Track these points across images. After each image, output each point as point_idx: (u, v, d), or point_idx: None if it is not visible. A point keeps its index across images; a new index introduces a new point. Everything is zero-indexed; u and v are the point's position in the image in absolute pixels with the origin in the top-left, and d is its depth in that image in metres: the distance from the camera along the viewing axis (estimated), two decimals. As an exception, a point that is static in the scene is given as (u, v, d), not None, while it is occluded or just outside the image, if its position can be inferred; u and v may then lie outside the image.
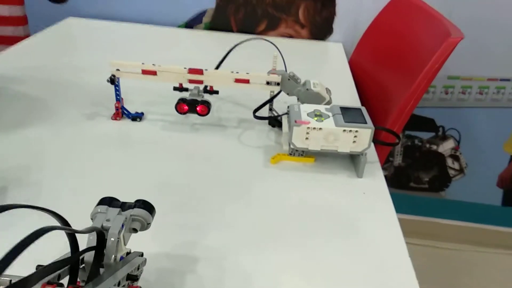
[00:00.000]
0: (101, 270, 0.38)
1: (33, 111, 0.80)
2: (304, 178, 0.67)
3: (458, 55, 1.30)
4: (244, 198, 0.61)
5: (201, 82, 0.75)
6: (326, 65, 1.22)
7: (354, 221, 0.59)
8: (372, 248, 0.54)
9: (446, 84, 1.39)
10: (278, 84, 0.75)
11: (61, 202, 0.58)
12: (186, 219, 0.56)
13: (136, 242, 0.46)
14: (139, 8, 1.37)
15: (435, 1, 1.15)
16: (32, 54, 1.08)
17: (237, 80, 0.75)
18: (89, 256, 0.37)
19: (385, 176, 0.69)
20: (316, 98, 0.74)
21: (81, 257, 0.37)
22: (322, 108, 0.70)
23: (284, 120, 0.75)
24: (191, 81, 0.75)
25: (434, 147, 1.49)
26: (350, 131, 0.65)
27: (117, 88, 0.75)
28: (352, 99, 0.96)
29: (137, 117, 0.79)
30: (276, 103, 0.83)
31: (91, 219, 0.43)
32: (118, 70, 0.74)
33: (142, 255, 0.44)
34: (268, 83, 0.76)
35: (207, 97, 0.77)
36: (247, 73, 0.75)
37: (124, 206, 0.42)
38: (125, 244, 0.41)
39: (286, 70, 0.78)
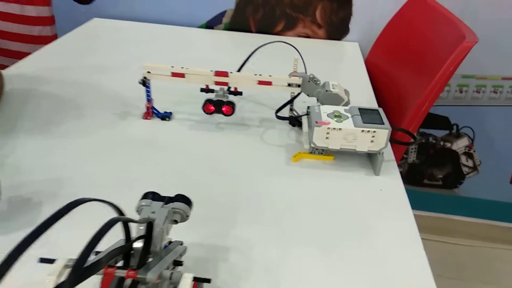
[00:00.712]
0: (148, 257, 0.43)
1: (63, 111, 0.86)
2: (324, 175, 0.71)
3: (473, 55, 1.32)
4: (268, 194, 0.66)
5: (226, 84, 0.80)
6: (343, 65, 1.25)
7: (372, 216, 0.63)
8: (388, 243, 0.58)
9: (461, 83, 1.41)
10: (299, 86, 0.80)
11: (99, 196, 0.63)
12: (214, 212, 0.61)
13: (173, 233, 0.51)
14: (162, 9, 1.42)
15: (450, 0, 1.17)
16: (60, 54, 1.14)
17: (260, 82, 0.79)
18: (139, 244, 0.42)
19: (400, 173, 0.73)
20: (335, 99, 0.78)
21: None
22: (341, 109, 0.74)
23: (304, 120, 0.79)
24: (217, 83, 0.79)
25: (448, 144, 1.52)
26: (368, 131, 0.69)
27: (148, 89, 0.80)
28: (368, 98, 1.00)
29: (166, 116, 0.84)
30: (296, 103, 0.87)
31: (137, 211, 0.48)
32: (149, 72, 0.79)
33: (182, 243, 0.49)
34: (289, 85, 0.80)
35: (231, 98, 0.82)
36: (269, 76, 0.79)
37: (165, 200, 0.47)
38: (167, 234, 0.46)
39: (306, 72, 0.82)
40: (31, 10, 1.43)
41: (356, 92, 0.85)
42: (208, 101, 0.80)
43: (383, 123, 0.70)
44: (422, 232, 0.61)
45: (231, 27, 1.42)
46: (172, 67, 0.78)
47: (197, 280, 0.37)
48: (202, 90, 0.82)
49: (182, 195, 0.48)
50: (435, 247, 1.63)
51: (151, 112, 0.83)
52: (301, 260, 0.54)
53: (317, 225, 0.60)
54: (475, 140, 1.50)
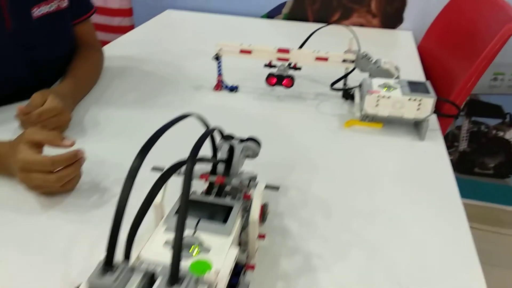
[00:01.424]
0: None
1: (146, 87, 1.01)
2: (373, 140, 0.80)
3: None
4: (321, 152, 0.76)
5: (287, 60, 0.91)
6: (396, 52, 1.32)
7: (415, 178, 0.71)
8: (431, 206, 0.67)
9: (515, 72, 1.43)
10: (353, 61, 0.89)
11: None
12: (276, 165, 0.72)
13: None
14: (227, 1, 1.55)
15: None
16: (137, 42, 1.30)
17: (318, 58, 0.89)
18: (221, 166, 0.54)
19: (450, 161, 0.79)
20: (385, 74, 0.87)
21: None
22: (391, 81, 0.82)
23: (356, 92, 0.88)
24: (279, 59, 0.91)
25: (501, 133, 1.53)
26: (415, 100, 0.77)
27: (219, 64, 0.93)
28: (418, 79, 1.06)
29: (234, 89, 0.96)
30: (349, 79, 0.96)
31: (217, 148, 0.60)
32: (221, 49, 0.91)
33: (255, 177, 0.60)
34: (344, 61, 0.89)
35: (291, 72, 0.92)
36: (326, 53, 0.89)
37: (239, 140, 0.58)
38: (241, 166, 0.57)
39: (359, 51, 0.91)
40: (114, 3, 1.62)
41: (407, 75, 0.93)
42: (271, 75, 0.91)
43: (428, 93, 0.77)
44: (471, 221, 0.62)
45: (290, 17, 1.53)
46: (241, 44, 0.90)
47: (268, 187, 0.48)
48: (266, 65, 0.93)
49: (253, 137, 0.59)
50: (485, 237, 1.65)
51: (221, 85, 0.96)
52: (348, 197, 0.64)
53: (366, 184, 0.70)
54: (529, 129, 1.50)
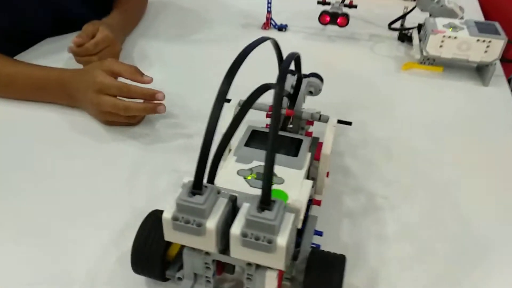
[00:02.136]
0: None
1: (197, 23, 0.97)
2: (434, 84, 0.76)
3: None
4: (378, 94, 0.73)
5: (342, -4, 0.85)
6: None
7: (478, 125, 0.67)
8: (498, 150, 0.64)
9: None
10: (413, 0, 0.83)
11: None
12: (329, 104, 0.70)
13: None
14: None
15: None
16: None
17: (376, -5, 0.84)
18: (285, 101, 0.52)
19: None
20: (449, 14, 0.81)
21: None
22: (456, 21, 0.77)
23: (415, 33, 0.83)
24: (334, -5, 0.85)
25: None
26: (484, 41, 0.72)
27: (269, 1, 0.88)
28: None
29: (283, 28, 0.92)
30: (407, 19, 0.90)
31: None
32: (272, -16, 0.86)
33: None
34: (404, -1, 0.84)
35: (346, 10, 0.87)
36: (385, -11, 0.83)
37: (302, 76, 0.56)
38: (303, 102, 0.55)
39: (421, -12, 0.85)
40: None
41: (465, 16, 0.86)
42: (325, 12, 0.86)
43: (499, 34, 0.72)
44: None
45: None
46: (294, -22, 0.85)
47: (341, 122, 0.46)
48: (319, 2, 0.88)
49: (315, 73, 0.56)
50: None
51: (269, 23, 0.92)
52: (409, 139, 0.62)
53: (425, 121, 0.67)
54: None
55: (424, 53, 0.76)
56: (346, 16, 0.86)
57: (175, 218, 0.32)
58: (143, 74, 0.62)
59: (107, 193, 0.52)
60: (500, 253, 0.46)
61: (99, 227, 0.47)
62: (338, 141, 0.61)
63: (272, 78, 0.35)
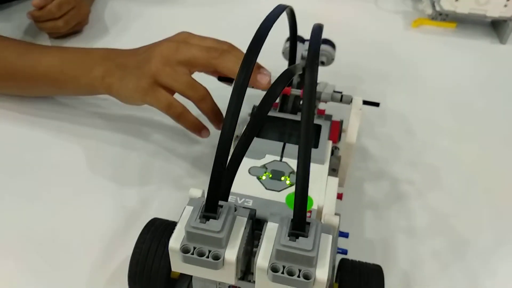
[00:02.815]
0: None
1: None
2: (448, 43, 0.69)
3: None
4: (391, 61, 0.65)
5: None
6: None
7: (502, 88, 0.61)
8: None
9: None
10: None
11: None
12: (339, 77, 0.62)
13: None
14: None
15: None
16: None
17: None
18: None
19: None
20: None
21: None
22: (473, -30, 0.69)
23: (425, -14, 0.74)
24: None
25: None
26: (505, -7, 0.64)
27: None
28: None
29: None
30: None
31: (282, 52, 0.50)
32: None
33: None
34: None
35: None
36: None
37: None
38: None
39: None
40: None
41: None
42: (324, -37, 0.76)
43: (522, -15, 0.64)
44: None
45: None
46: None
47: (367, 103, 0.40)
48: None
49: (328, 39, 0.49)
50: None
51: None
52: (428, 110, 0.55)
53: (443, 86, 0.60)
54: None
55: (437, 8, 0.68)
56: (347, -33, 0.76)
57: (185, 250, 0.25)
58: (261, 67, 0.42)
59: (91, 192, 0.44)
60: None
61: (82, 234, 0.40)
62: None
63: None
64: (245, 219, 0.27)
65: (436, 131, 0.53)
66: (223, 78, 0.42)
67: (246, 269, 0.29)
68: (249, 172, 0.35)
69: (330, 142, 0.39)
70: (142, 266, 0.33)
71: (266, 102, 0.27)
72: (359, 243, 0.40)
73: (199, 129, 0.45)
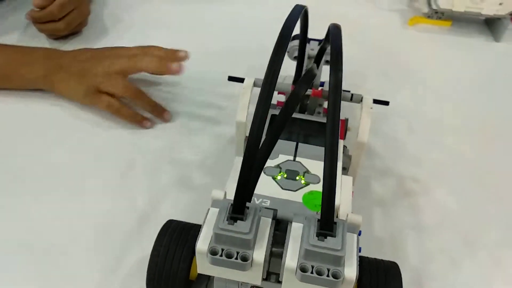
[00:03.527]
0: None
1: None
2: (444, 41, 0.70)
3: None
4: (388, 58, 0.66)
5: None
6: None
7: (498, 85, 0.62)
8: None
9: None
10: None
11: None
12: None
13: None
14: None
15: None
16: None
17: None
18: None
19: None
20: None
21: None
22: (468, -30, 0.70)
23: (421, -16, 0.75)
24: None
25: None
26: (500, -8, 0.65)
27: None
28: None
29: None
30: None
31: (287, 52, 0.50)
32: None
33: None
34: None
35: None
36: None
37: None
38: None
39: None
40: None
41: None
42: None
43: (516, -16, 0.66)
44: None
45: None
46: None
47: (377, 102, 0.40)
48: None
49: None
50: None
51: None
52: (430, 108, 0.56)
53: (442, 83, 0.61)
54: None
55: (434, 6, 0.69)
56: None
57: (213, 252, 0.25)
58: (177, 51, 0.52)
59: (98, 192, 0.44)
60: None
61: (92, 237, 0.40)
62: (355, 115, 0.55)
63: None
64: (270, 219, 0.27)
65: (436, 127, 0.54)
66: (232, 78, 0.43)
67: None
68: (264, 172, 0.35)
69: (342, 141, 0.39)
70: (161, 269, 0.32)
71: (291, 103, 0.27)
72: (369, 240, 0.40)
73: (138, 120, 0.52)
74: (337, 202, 0.33)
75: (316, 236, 0.25)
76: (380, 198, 0.45)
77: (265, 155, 0.27)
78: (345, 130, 0.47)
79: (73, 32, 0.64)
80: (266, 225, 0.27)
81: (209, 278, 0.35)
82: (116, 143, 0.49)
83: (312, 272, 0.25)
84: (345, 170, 0.40)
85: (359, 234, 0.38)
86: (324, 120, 0.40)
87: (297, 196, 0.33)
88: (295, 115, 0.41)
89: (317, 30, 0.45)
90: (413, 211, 0.43)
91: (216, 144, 0.50)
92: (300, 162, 0.36)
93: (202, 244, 0.26)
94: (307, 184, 0.35)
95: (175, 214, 0.37)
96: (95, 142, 0.49)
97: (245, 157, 0.25)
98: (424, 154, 0.50)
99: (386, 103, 0.40)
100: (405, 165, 0.48)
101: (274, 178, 0.35)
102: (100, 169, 0.46)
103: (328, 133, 0.25)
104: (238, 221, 0.25)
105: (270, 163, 0.36)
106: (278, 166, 0.36)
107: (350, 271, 0.25)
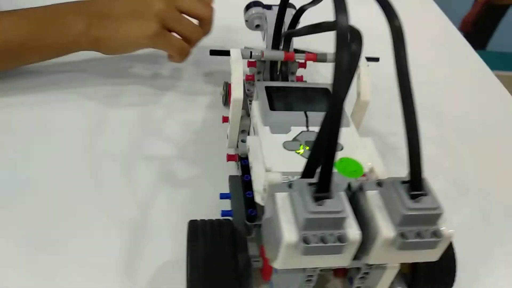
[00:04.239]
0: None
1: None
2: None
3: None
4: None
5: None
6: None
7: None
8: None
9: None
10: None
11: None
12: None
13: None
14: None
15: None
16: None
17: None
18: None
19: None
20: None
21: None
22: None
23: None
24: None
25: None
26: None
27: None
28: None
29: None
30: None
31: (246, 21, 0.46)
32: None
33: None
34: None
35: None
36: None
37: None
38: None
39: None
40: None
41: None
42: None
43: None
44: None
45: None
46: None
47: (369, 59, 0.39)
48: None
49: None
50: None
51: None
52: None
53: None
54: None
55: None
56: None
57: (307, 240, 0.22)
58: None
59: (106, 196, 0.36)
60: None
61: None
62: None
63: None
64: (343, 193, 0.25)
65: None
66: (215, 52, 0.38)
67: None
68: (285, 148, 0.32)
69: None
70: (204, 275, 0.28)
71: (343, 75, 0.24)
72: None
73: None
74: (369, 163, 0.32)
75: (410, 198, 0.23)
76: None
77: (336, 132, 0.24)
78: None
79: None
80: (344, 199, 0.24)
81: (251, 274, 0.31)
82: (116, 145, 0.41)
83: (413, 238, 0.23)
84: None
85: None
86: (319, 86, 0.38)
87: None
88: (285, 84, 0.39)
89: None
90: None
91: (188, 132, 0.45)
92: (315, 131, 0.34)
93: (290, 235, 0.22)
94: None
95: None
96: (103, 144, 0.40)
97: (331, 123, 0.22)
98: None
99: (376, 59, 0.39)
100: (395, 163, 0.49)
101: (297, 153, 0.32)
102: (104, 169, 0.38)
103: (400, 82, 0.23)
104: (326, 200, 0.22)
105: (285, 137, 0.33)
106: (295, 140, 0.33)
107: (448, 227, 0.23)
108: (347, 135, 0.34)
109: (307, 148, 0.32)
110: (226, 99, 0.47)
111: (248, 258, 0.30)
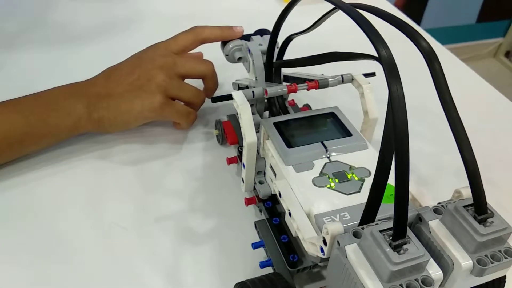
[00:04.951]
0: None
1: None
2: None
3: None
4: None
5: None
6: None
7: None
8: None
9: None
10: None
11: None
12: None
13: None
14: None
15: None
16: None
17: None
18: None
19: None
20: None
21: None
22: None
23: None
24: None
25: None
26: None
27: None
28: None
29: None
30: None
31: (226, 55, 0.45)
32: None
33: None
34: None
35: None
36: None
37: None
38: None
39: None
40: None
41: None
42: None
43: None
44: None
45: None
46: None
47: (366, 75, 0.38)
48: None
49: (264, 29, 0.46)
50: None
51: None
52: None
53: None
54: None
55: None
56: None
57: (395, 293, 0.21)
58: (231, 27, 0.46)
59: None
60: None
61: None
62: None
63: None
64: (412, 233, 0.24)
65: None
66: (217, 98, 0.36)
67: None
68: (315, 185, 0.31)
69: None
70: None
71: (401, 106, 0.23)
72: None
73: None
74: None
75: (479, 222, 0.23)
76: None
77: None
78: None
79: None
80: (417, 240, 0.23)
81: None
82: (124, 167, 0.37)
83: (488, 264, 0.23)
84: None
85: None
86: (324, 111, 0.37)
87: (364, 196, 0.30)
88: (290, 116, 0.38)
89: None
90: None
91: (191, 181, 0.42)
92: (338, 160, 0.33)
93: (376, 292, 0.21)
94: (362, 180, 0.32)
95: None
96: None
97: (399, 177, 0.21)
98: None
99: (373, 74, 0.39)
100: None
101: (329, 187, 0.31)
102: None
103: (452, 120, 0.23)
104: (404, 246, 0.22)
105: (311, 174, 0.32)
106: (322, 174, 0.32)
107: (516, 243, 0.24)
108: (367, 158, 0.34)
109: (337, 180, 0.32)
110: (222, 138, 0.45)
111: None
